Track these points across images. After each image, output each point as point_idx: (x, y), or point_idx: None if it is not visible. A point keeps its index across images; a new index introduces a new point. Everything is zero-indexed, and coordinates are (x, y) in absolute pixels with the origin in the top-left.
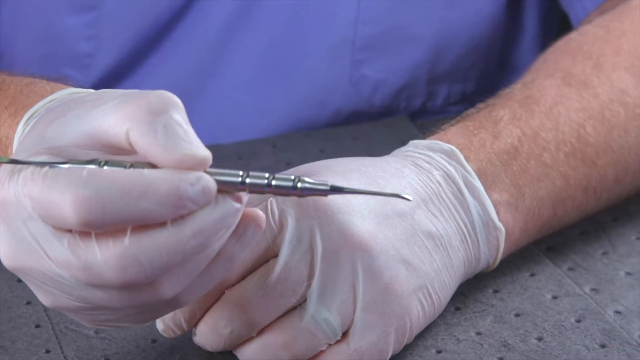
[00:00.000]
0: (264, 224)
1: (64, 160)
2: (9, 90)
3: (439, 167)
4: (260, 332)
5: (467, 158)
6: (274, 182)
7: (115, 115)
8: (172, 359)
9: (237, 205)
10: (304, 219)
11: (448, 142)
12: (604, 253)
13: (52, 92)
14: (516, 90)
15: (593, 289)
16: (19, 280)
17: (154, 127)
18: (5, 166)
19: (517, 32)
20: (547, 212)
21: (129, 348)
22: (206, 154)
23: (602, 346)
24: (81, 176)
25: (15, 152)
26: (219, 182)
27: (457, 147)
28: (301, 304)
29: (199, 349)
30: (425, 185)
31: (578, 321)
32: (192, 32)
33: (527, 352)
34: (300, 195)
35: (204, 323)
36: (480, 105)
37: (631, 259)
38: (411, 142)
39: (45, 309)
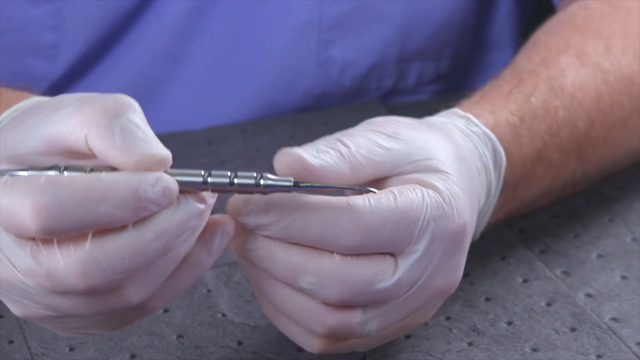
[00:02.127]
0: (232, 231)
1: (24, 167)
2: None
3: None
4: None
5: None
6: (236, 180)
7: (73, 119)
8: (139, 344)
9: (200, 206)
10: None
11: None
12: (576, 236)
13: (17, 101)
14: (533, 64)
15: (564, 272)
16: None
17: (112, 130)
18: None
19: (490, 9)
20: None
21: (94, 337)
22: (165, 153)
23: (572, 329)
24: (39, 183)
25: None
26: (180, 183)
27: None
28: None
29: (164, 331)
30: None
31: (548, 305)
32: (157, 19)
33: (497, 337)
34: (263, 193)
35: None
36: (507, 75)
37: (603, 241)
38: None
39: None
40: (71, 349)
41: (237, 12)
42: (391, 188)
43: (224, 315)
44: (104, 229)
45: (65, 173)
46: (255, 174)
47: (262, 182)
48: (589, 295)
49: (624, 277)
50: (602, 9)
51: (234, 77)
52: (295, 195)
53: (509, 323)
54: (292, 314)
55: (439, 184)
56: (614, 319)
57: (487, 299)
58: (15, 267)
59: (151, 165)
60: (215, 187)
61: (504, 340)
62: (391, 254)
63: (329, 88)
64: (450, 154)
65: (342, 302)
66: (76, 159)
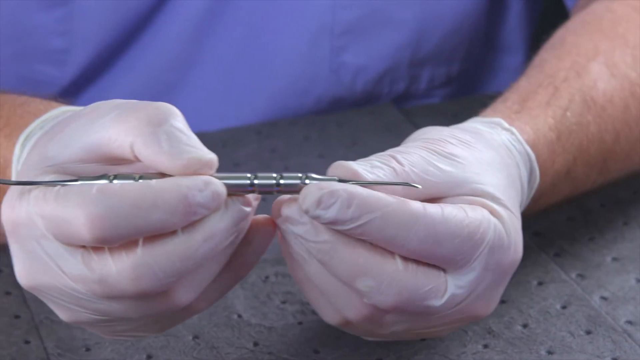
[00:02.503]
0: (274, 231)
1: (74, 178)
2: (2, 110)
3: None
4: None
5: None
6: (282, 181)
7: (115, 128)
8: (155, 344)
9: (247, 209)
10: None
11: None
12: (591, 239)
13: (46, 111)
14: (565, 70)
15: (579, 275)
16: None
17: (158, 137)
18: (13, 188)
19: (501, 11)
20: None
21: (111, 339)
22: (211, 156)
23: (588, 332)
24: (91, 193)
25: (19, 173)
26: (227, 186)
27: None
28: None
29: (180, 332)
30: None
31: (564, 307)
32: (168, 24)
33: (512, 339)
34: None
35: None
36: (543, 80)
37: (618, 244)
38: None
39: (25, 299)
40: (87, 349)
41: (249, 18)
42: (461, 204)
43: (239, 316)
44: (156, 234)
45: (115, 182)
46: (300, 175)
47: (307, 182)
48: (604, 298)
49: (639, 281)
50: (628, 14)
51: (246, 83)
52: (374, 194)
53: (524, 326)
54: (328, 293)
55: (503, 212)
56: (630, 322)
57: (503, 302)
58: (66, 274)
59: (199, 167)
60: (263, 189)
61: (519, 343)
62: (444, 270)
63: (342, 93)
64: (503, 181)
65: (392, 309)
66: (117, 164)
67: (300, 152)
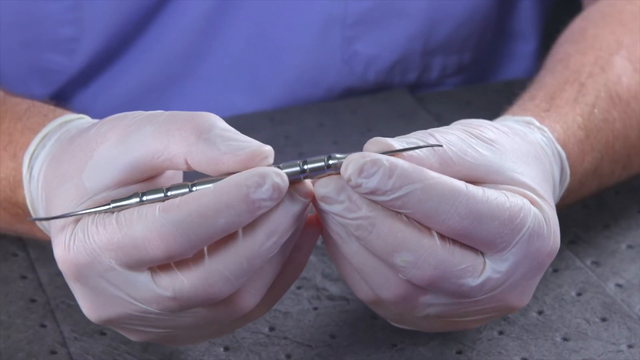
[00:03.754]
0: (321, 229)
1: (106, 204)
2: (3, 125)
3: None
4: None
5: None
6: (330, 162)
7: (159, 143)
8: None
9: (305, 200)
10: None
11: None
12: (606, 226)
13: (43, 125)
14: (589, 65)
15: (594, 262)
16: (14, 254)
17: (214, 142)
18: (59, 227)
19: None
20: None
21: None
22: (269, 147)
23: (603, 319)
24: (156, 214)
25: (57, 212)
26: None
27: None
28: None
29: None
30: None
31: (579, 294)
32: (179, 14)
33: (527, 326)
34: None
35: None
36: (569, 76)
37: (633, 232)
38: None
39: (41, 283)
40: (102, 333)
41: (260, 9)
42: (499, 189)
43: None
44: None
45: (169, 193)
46: (339, 155)
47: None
48: (619, 286)
49: None
50: None
51: (257, 73)
52: (416, 167)
53: (540, 312)
54: (364, 272)
55: (542, 202)
56: None
57: None
58: (137, 299)
59: (264, 157)
60: (314, 173)
61: (534, 330)
62: (482, 253)
63: (353, 83)
64: (539, 173)
65: (428, 285)
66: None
67: (314, 138)
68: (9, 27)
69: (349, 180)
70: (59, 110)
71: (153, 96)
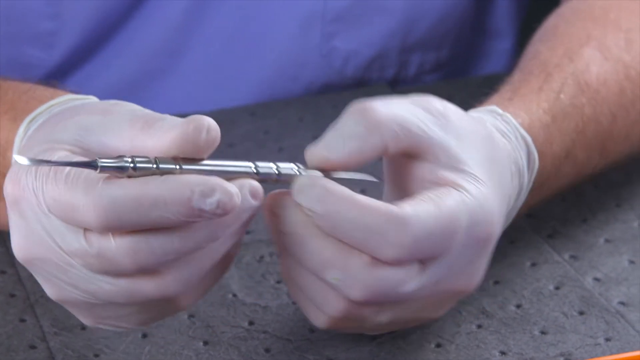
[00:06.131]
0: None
1: (91, 159)
2: (7, 96)
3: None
4: None
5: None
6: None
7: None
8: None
9: (255, 202)
10: None
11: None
12: (584, 220)
13: (52, 98)
14: (557, 57)
15: (572, 256)
16: None
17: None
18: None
19: None
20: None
21: None
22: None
23: (581, 313)
24: (99, 184)
25: (22, 148)
26: (229, 173)
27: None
28: None
29: (175, 315)
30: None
31: (557, 288)
32: (158, 9)
33: (506, 320)
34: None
35: None
36: (535, 68)
37: (611, 226)
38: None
39: (20, 278)
40: (83, 328)
41: (240, 4)
42: (429, 194)
43: (234, 295)
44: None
45: (131, 166)
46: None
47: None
48: (597, 280)
49: (631, 262)
50: (619, 1)
51: (236, 69)
52: (347, 194)
53: (518, 306)
54: (306, 291)
55: (472, 188)
56: (622, 303)
57: (496, 282)
58: (63, 249)
59: (199, 125)
60: (263, 177)
61: (512, 323)
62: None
63: (332, 79)
64: (485, 155)
65: (364, 301)
66: None
67: (294, 133)
68: None
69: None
70: (67, 91)
71: (133, 92)
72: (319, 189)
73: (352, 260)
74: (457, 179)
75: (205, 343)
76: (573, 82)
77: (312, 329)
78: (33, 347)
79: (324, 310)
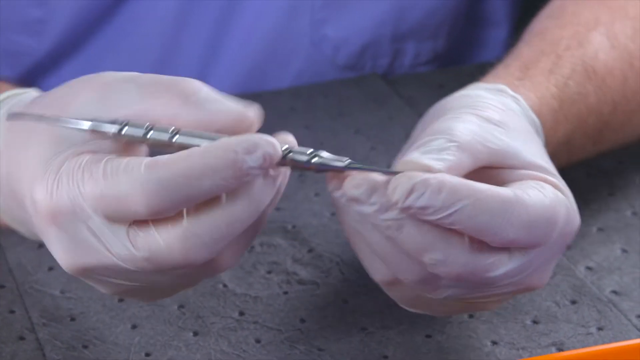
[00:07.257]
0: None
1: (87, 118)
2: None
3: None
4: None
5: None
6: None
7: (143, 105)
8: (140, 314)
9: (287, 171)
10: None
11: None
12: None
13: (10, 90)
14: (566, 38)
15: None
16: None
17: (200, 104)
18: (34, 170)
19: None
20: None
21: (96, 307)
22: (253, 112)
23: (573, 302)
24: (141, 170)
25: (27, 163)
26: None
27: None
28: None
29: (165, 301)
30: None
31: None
32: (148, 1)
33: (497, 309)
34: (317, 171)
35: None
36: (546, 47)
37: (603, 215)
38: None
39: (10, 269)
40: (72, 319)
41: None
42: (529, 183)
43: (225, 285)
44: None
45: (127, 128)
46: (308, 150)
47: (314, 160)
48: (589, 269)
49: (624, 251)
50: None
51: (226, 57)
52: (463, 182)
53: None
54: (385, 258)
55: (562, 185)
56: (615, 292)
57: None
58: (113, 254)
59: (249, 124)
60: (294, 164)
61: (504, 313)
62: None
63: (324, 67)
64: (541, 149)
65: (455, 280)
66: None
67: (286, 123)
68: None
69: (396, 202)
70: (4, 85)
71: None
72: (432, 185)
73: (453, 240)
74: (546, 176)
75: (195, 333)
76: (582, 69)
77: (303, 319)
78: (22, 338)
79: (400, 273)
